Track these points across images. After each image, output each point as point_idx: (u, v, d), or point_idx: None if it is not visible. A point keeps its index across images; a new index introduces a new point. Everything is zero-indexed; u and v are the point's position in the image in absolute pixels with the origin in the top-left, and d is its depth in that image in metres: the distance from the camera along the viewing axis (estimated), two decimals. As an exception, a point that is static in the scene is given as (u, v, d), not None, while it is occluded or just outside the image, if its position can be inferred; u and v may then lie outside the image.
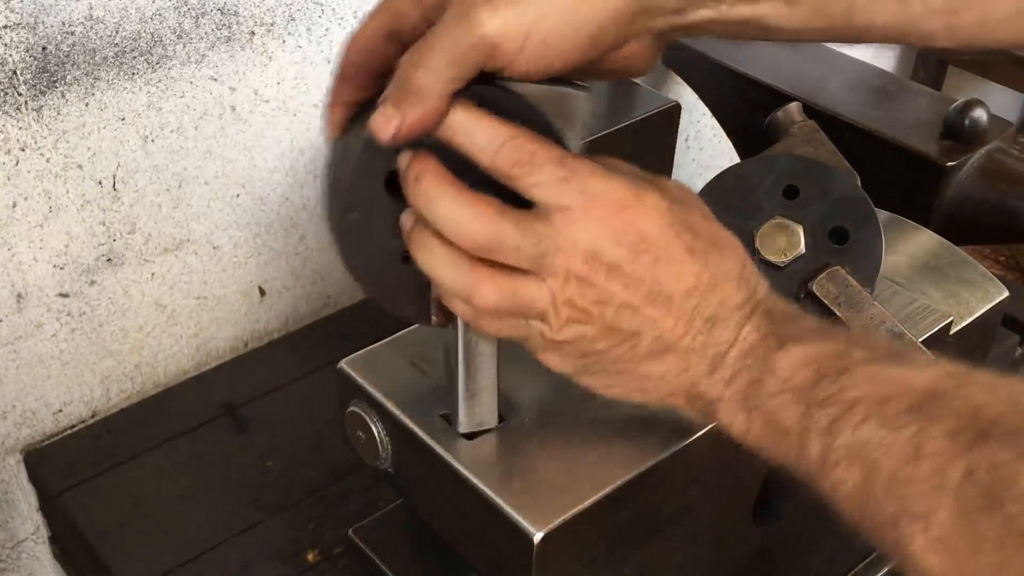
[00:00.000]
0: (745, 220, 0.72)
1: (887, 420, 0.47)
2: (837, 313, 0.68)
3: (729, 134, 1.19)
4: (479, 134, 0.49)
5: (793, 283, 0.70)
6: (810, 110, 1.04)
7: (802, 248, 0.70)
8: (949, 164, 0.98)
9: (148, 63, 0.86)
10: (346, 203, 0.52)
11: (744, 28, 0.54)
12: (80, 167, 0.87)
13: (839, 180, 0.71)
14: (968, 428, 0.45)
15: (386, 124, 0.49)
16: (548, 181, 0.49)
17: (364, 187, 0.52)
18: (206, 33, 0.89)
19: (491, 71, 0.50)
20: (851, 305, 0.68)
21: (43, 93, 0.82)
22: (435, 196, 0.50)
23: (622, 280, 0.50)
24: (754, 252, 0.71)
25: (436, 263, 0.51)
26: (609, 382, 0.54)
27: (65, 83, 0.83)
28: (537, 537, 0.56)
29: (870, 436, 0.47)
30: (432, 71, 0.48)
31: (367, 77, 0.54)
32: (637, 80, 1.13)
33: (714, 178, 0.74)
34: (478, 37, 0.48)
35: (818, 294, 0.68)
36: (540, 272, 0.50)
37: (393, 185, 0.52)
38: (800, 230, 0.70)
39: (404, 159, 0.51)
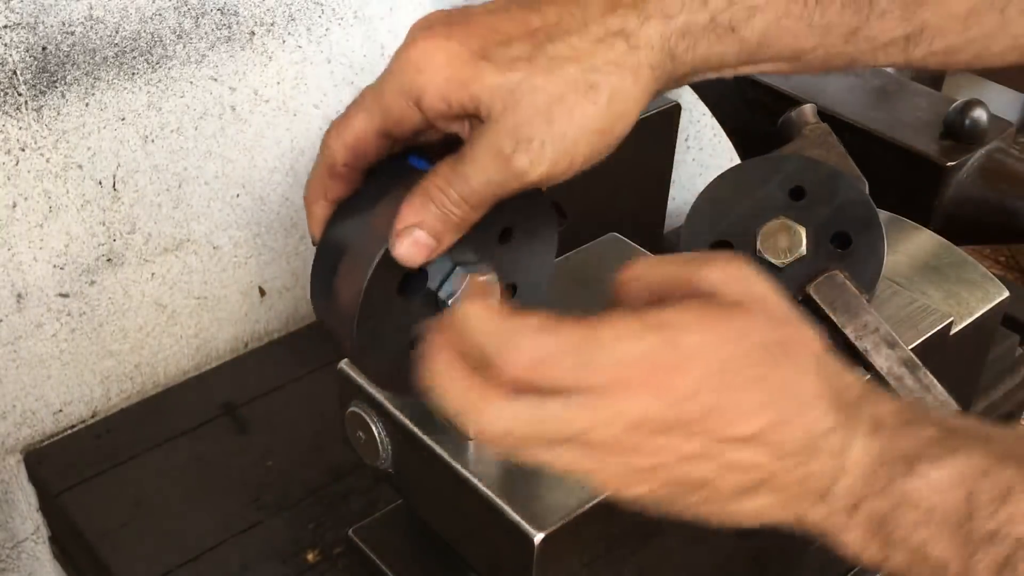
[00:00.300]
0: (749, 218, 0.72)
1: None
2: (832, 318, 0.68)
3: (729, 134, 1.19)
4: (481, 339, 0.44)
5: (792, 285, 0.70)
6: (810, 110, 1.04)
7: (803, 250, 0.70)
8: (949, 164, 0.98)
9: (148, 63, 0.86)
10: (363, 314, 0.51)
11: (739, 74, 0.55)
12: (80, 167, 0.87)
13: (846, 185, 0.71)
14: None
15: (418, 251, 0.49)
16: (570, 374, 0.43)
17: (378, 296, 0.51)
18: (206, 33, 0.89)
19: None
20: (846, 311, 0.68)
21: (43, 93, 0.82)
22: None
23: (679, 434, 0.44)
24: (755, 251, 0.71)
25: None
26: (700, 514, 0.48)
27: (65, 83, 0.83)
28: (538, 538, 0.56)
29: None
30: (471, 207, 0.49)
31: (356, 175, 0.53)
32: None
33: (722, 174, 0.74)
34: (520, 183, 0.48)
35: (815, 297, 0.68)
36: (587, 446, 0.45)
37: (403, 286, 0.52)
38: (803, 232, 0.70)
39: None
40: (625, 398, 0.43)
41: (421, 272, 0.52)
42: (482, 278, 0.52)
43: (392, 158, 0.53)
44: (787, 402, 0.44)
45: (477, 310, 0.44)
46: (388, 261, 0.50)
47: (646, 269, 0.47)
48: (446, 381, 0.44)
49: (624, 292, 0.48)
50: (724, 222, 0.73)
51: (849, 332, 0.67)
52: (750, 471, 0.45)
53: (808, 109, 0.81)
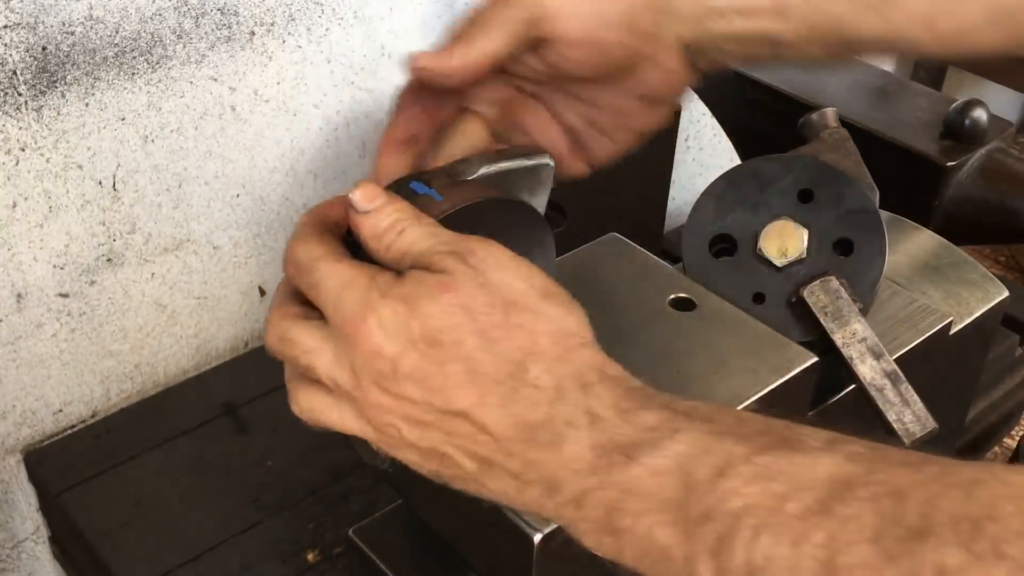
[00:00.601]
0: (755, 214, 0.72)
1: (786, 530, 0.38)
2: (822, 323, 0.68)
3: (729, 134, 1.19)
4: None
5: (788, 286, 0.70)
6: (811, 110, 1.04)
7: (803, 252, 0.70)
8: (949, 164, 0.98)
9: (148, 63, 0.86)
10: None
11: (755, 47, 0.57)
12: (80, 167, 0.87)
13: (856, 192, 0.71)
14: (895, 525, 0.36)
15: (426, 59, 0.55)
16: (309, 291, 0.50)
17: None
18: (206, 33, 0.89)
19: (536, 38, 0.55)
20: (836, 317, 0.68)
21: (43, 93, 0.82)
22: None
23: (397, 393, 0.47)
24: (756, 248, 0.71)
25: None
26: (469, 491, 0.50)
27: (65, 83, 0.83)
28: (537, 538, 0.56)
29: (769, 554, 0.38)
30: (485, 36, 0.55)
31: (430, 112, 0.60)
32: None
33: (735, 167, 0.74)
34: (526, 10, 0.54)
35: (808, 300, 0.69)
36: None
37: None
38: (805, 234, 0.70)
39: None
40: (344, 341, 0.47)
41: None
42: None
43: (395, 183, 0.54)
44: (493, 385, 0.46)
45: (298, 224, 0.52)
46: None
47: (412, 225, 0.50)
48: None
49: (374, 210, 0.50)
50: (729, 216, 0.73)
51: (837, 338, 0.67)
52: (477, 446, 0.46)
53: (830, 113, 0.80)
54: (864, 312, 0.69)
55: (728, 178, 0.74)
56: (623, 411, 0.45)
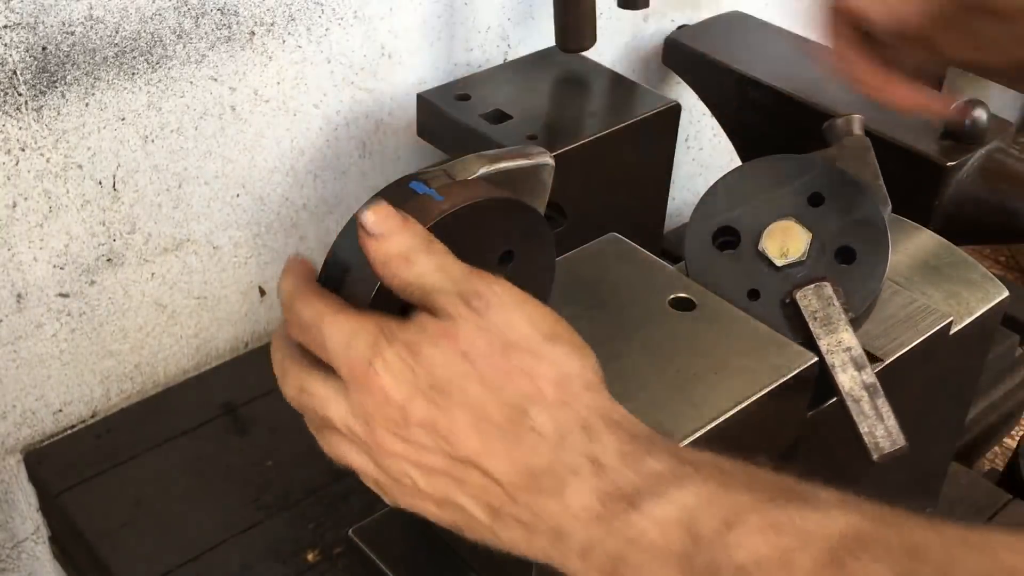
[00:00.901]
0: (762, 211, 0.72)
1: None
2: (810, 327, 0.68)
3: (729, 134, 1.19)
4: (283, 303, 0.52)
5: (784, 286, 0.70)
6: (810, 110, 1.04)
7: (803, 255, 0.70)
8: (949, 164, 0.98)
9: (148, 63, 0.86)
10: None
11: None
12: (80, 167, 0.87)
13: (867, 203, 0.71)
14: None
15: None
16: (315, 346, 0.49)
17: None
18: (206, 33, 0.89)
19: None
20: (825, 323, 0.68)
21: (43, 93, 0.82)
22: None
23: (410, 442, 0.47)
24: (757, 245, 0.71)
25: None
26: (481, 540, 0.49)
27: (65, 83, 0.83)
28: (537, 537, 0.56)
29: None
30: None
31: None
32: (637, 80, 1.13)
33: (750, 162, 0.74)
34: None
35: (799, 303, 0.69)
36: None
37: (404, 307, 0.52)
38: (808, 237, 0.71)
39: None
40: (355, 391, 0.46)
41: None
42: None
43: (394, 183, 0.54)
44: (497, 431, 0.45)
45: (284, 278, 0.51)
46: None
47: (426, 255, 0.48)
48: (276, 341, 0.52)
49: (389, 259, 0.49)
50: (737, 209, 0.73)
51: (822, 344, 0.67)
52: (487, 495, 0.45)
53: (856, 120, 0.80)
54: (857, 323, 0.69)
55: (742, 171, 0.74)
56: (627, 457, 0.44)
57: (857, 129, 0.79)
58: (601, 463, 0.44)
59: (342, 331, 0.47)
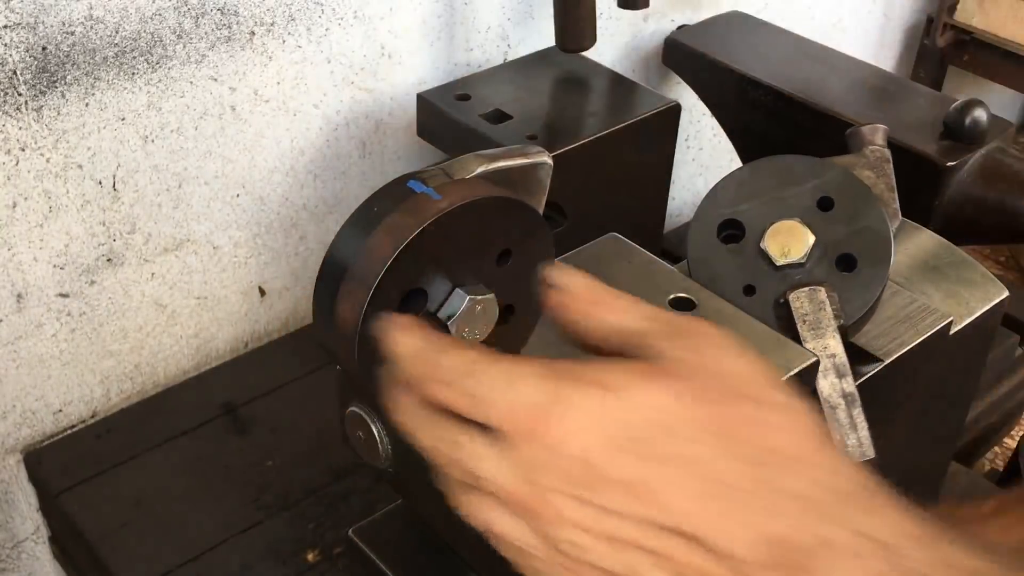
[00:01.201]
0: (770, 209, 0.72)
1: None
2: (798, 329, 0.68)
3: (729, 134, 1.19)
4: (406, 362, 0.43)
5: (781, 286, 0.70)
6: (810, 110, 1.04)
7: (803, 257, 0.70)
8: (949, 164, 0.98)
9: (148, 63, 0.86)
10: (363, 336, 0.50)
11: None
12: (80, 167, 0.87)
13: (875, 214, 0.71)
14: None
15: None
16: (462, 399, 0.41)
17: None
18: (206, 33, 0.89)
19: None
20: (813, 328, 0.68)
21: (43, 93, 0.82)
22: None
23: (594, 506, 0.39)
24: (760, 242, 0.71)
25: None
26: None
27: (65, 83, 0.83)
28: (537, 537, 0.56)
29: None
30: None
31: None
32: (637, 80, 1.13)
33: (766, 158, 0.74)
34: None
35: (792, 304, 0.69)
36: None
37: (402, 308, 0.52)
38: (811, 240, 0.71)
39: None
40: (521, 444, 0.38)
41: (421, 294, 0.52)
42: (481, 299, 0.53)
43: (393, 182, 0.54)
44: (729, 493, 0.37)
45: (402, 336, 0.43)
46: (387, 284, 0.50)
47: (614, 310, 0.43)
48: (396, 405, 0.43)
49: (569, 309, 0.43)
50: (744, 204, 0.73)
51: (807, 348, 0.67)
52: (696, 572, 0.37)
53: (880, 130, 0.80)
54: (847, 332, 0.69)
55: (756, 167, 0.74)
56: (915, 538, 0.37)
57: (879, 140, 0.79)
58: (878, 539, 0.37)
59: (505, 374, 0.40)
